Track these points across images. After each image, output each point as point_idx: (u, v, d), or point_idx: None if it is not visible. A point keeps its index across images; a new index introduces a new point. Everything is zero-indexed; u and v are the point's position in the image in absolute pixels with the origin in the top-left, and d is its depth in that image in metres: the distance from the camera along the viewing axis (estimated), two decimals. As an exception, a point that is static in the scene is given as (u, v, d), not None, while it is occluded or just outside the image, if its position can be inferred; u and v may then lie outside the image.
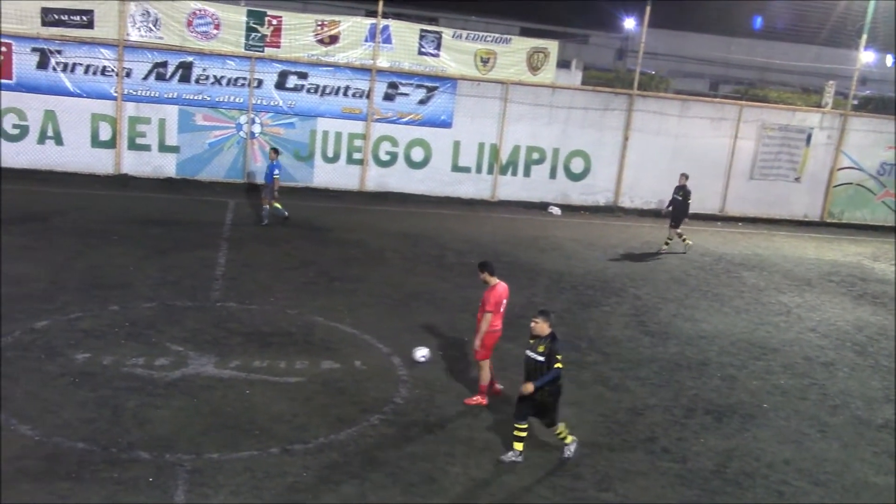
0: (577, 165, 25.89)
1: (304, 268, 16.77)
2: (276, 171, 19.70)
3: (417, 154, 24.69)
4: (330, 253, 18.01)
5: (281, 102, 23.46)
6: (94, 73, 22.24)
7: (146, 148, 23.00)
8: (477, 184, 25.30)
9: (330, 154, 24.08)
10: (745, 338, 15.42)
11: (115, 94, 22.43)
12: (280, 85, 23.35)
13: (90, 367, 11.18)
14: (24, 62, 21.75)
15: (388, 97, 24.12)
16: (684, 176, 21.28)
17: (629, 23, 47.38)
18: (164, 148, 23.09)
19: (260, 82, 23.19)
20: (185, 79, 22.72)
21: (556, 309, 15.76)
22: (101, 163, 22.73)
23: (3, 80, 21.72)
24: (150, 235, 17.79)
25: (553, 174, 25.76)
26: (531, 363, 9.77)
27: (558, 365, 9.51)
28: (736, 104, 27.59)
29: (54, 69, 21.99)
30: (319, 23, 23.48)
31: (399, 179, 24.62)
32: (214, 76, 22.86)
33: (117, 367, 11.24)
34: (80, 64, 22.11)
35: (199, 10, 22.61)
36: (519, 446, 9.87)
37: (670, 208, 21.41)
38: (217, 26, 22.68)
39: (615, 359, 13.67)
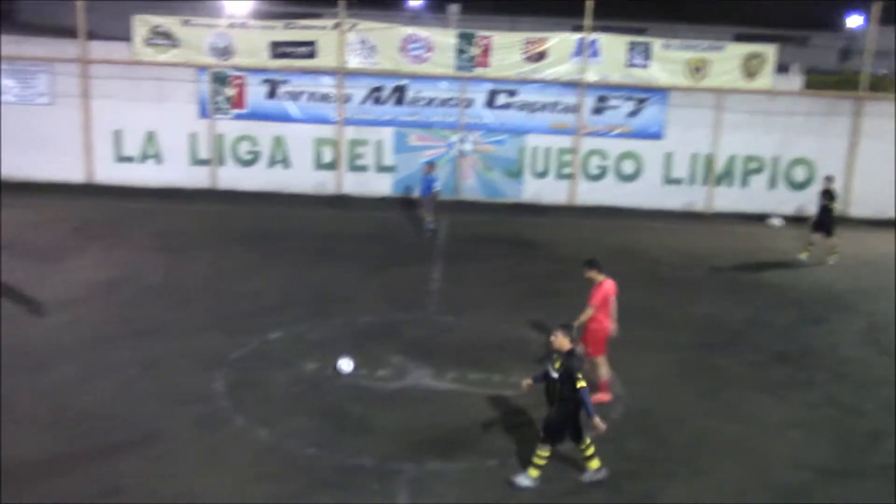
0: (800, 174, 24.51)
1: (516, 282, 16.93)
2: (436, 184, 20.46)
3: (628, 167, 24.34)
4: (541, 267, 18.07)
5: (491, 120, 23.90)
6: (317, 100, 23.65)
7: (364, 169, 24.15)
8: (690, 196, 24.55)
9: (539, 169, 24.24)
10: None
11: (336, 119, 23.72)
12: (489, 103, 23.80)
13: (318, 376, 11.83)
14: (255, 92, 23.52)
15: (597, 111, 23.96)
16: (829, 179, 19.76)
17: (854, 20, 44.42)
18: (380, 168, 24.15)
19: (470, 101, 23.74)
20: (399, 101, 23.67)
21: (781, 325, 14.99)
22: (324, 184, 24.08)
23: (238, 110, 23.58)
24: (370, 252, 18.60)
25: (773, 184, 24.54)
26: (548, 380, 9.16)
27: (581, 384, 8.82)
28: (983, 102, 25.07)
29: (281, 98, 23.58)
30: (527, 40, 23.72)
31: (609, 193, 24.35)
32: (427, 97, 23.65)
33: (342, 378, 11.83)
34: (304, 92, 23.59)
35: (412, 35, 23.51)
36: (535, 473, 9.19)
37: (817, 215, 19.85)
38: (429, 49, 23.46)
39: (848, 379, 12.77)
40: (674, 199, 24.43)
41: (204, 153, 23.87)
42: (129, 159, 23.79)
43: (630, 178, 24.39)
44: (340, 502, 8.80)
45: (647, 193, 24.34)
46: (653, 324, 14.84)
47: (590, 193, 24.39)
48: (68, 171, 23.63)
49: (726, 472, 9.83)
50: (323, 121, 23.79)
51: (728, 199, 24.52)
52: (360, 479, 9.24)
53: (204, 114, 23.63)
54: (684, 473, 9.74)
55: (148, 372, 11.75)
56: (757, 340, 14.22)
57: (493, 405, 11.23)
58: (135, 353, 12.34)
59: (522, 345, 13.47)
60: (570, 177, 24.30)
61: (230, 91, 23.50)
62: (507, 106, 23.85)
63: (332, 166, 24.08)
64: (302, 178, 24.01)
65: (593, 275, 11.42)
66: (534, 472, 9.19)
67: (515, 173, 24.26)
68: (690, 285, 17.35)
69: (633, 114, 23.98)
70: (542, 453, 9.15)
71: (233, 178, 23.94)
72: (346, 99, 23.63)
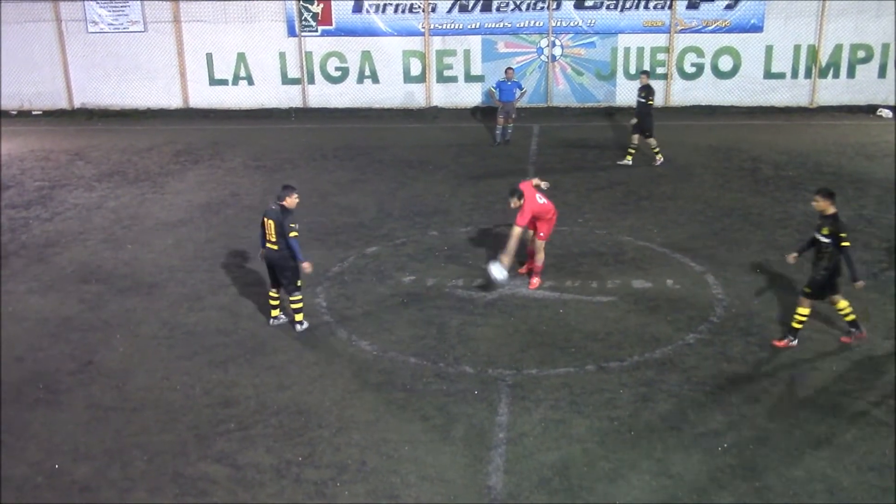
0: (912, 60, 23.06)
1: (612, 188, 16.67)
2: (519, 89, 20.19)
3: (725, 63, 23.32)
4: (637, 171, 17.71)
5: (580, 22, 23.18)
6: (403, 12, 23.34)
7: (453, 80, 23.87)
8: (792, 90, 23.44)
9: (632, 71, 23.44)
10: None
11: (423, 30, 23.43)
12: (579, 4, 23.04)
13: (416, 288, 12.02)
14: (341, 8, 23.34)
15: (692, 5, 22.92)
16: (646, 74, 18.46)
17: None
18: (469, 78, 23.82)
19: (559, 3, 23.04)
20: (486, 8, 23.14)
21: (892, 221, 14.37)
22: (413, 97, 23.97)
23: (325, 27, 23.52)
24: (462, 164, 18.56)
25: (882, 73, 23.12)
26: None
27: (292, 234, 10.64)
28: None
29: (367, 11, 23.38)
30: (617, -66, 22.75)
31: (706, 91, 23.45)
32: (514, 2, 23.05)
33: (440, 289, 11.99)
34: (390, 4, 23.29)
35: (497, -63, 22.84)
36: (276, 312, 11.05)
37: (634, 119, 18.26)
38: (515, -49, 22.80)
39: (964, 274, 12.23)
40: (775, 95, 23.41)
41: (293, 72, 23.99)
42: (222, 82, 24.11)
43: (728, 74, 23.41)
44: (444, 411, 9.01)
45: (746, 90, 23.35)
46: (753, 224, 14.47)
47: (685, 93, 23.58)
48: (164, 96, 24.13)
49: (833, 370, 9.63)
50: (409, 33, 23.53)
51: (834, 92, 23.34)
52: (461, 387, 9.44)
53: (292, 32, 23.65)
54: (788, 373, 9.58)
55: (251, 289, 12.14)
56: (865, 238, 13.71)
57: (590, 311, 11.23)
58: (239, 272, 12.76)
59: (620, 250, 13.34)
60: (664, 77, 23.51)
61: (316, 8, 23.42)
62: (597, 6, 23.04)
63: (420, 79, 23.91)
64: (391, 92, 23.92)
65: (514, 202, 11.70)
66: (298, 317, 10.85)
67: (607, 76, 23.60)
68: (793, 183, 16.76)
69: (730, 6, 22.87)
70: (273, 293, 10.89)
71: (323, 95, 24.04)
72: (432, 9, 23.26)
